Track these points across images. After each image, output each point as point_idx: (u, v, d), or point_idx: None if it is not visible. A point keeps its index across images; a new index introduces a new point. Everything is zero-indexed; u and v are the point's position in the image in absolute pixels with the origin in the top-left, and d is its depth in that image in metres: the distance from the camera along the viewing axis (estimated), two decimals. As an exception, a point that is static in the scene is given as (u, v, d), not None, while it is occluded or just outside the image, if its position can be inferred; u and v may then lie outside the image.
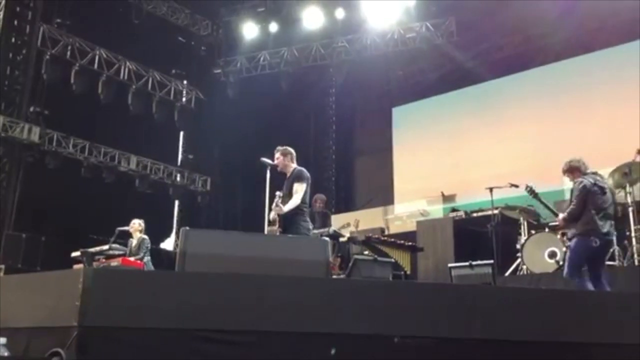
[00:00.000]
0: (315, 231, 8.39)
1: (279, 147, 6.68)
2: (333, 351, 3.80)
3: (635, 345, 4.08)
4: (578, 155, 6.37)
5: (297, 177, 6.42)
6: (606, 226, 5.97)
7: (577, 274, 5.95)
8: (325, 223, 9.39)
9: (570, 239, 6.18)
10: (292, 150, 6.67)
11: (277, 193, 6.36)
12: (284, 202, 6.33)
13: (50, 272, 4.66)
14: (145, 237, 9.05)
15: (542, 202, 6.81)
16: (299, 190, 6.33)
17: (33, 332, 3.74)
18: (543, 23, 12.06)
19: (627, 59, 11.27)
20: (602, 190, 6.08)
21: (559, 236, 8.02)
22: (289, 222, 6.29)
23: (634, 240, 7.39)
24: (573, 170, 6.26)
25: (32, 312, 3.84)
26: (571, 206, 6.08)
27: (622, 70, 11.30)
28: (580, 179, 6.11)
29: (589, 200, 5.98)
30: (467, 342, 4.02)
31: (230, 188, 14.77)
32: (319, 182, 14.75)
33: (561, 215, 6.23)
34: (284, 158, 6.57)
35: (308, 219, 6.58)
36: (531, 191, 6.80)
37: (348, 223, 10.21)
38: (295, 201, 6.27)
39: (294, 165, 6.61)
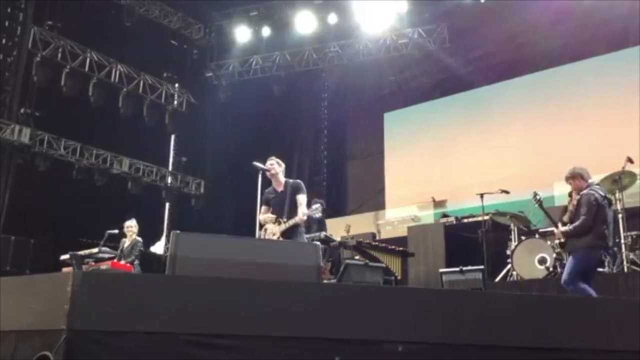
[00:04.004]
0: (307, 235, 8.40)
1: (273, 157, 6.81)
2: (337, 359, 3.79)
3: (626, 352, 4.10)
4: (578, 165, 6.35)
5: (300, 189, 6.60)
6: (611, 239, 6.00)
7: (577, 282, 5.88)
8: (322, 229, 9.47)
9: (571, 252, 6.07)
10: (283, 164, 6.84)
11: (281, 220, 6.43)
12: (287, 212, 6.45)
13: (38, 275, 4.63)
14: (140, 239, 9.02)
15: (545, 213, 6.72)
16: (303, 201, 6.52)
17: (21, 335, 3.70)
18: (534, 31, 12.14)
19: (617, 67, 11.37)
20: (610, 203, 6.07)
21: (549, 242, 8.05)
22: (290, 232, 6.40)
23: (623, 247, 7.43)
24: (576, 176, 6.17)
25: (20, 316, 3.79)
26: (582, 219, 5.93)
27: (612, 78, 11.39)
28: (590, 192, 6.00)
29: (600, 214, 5.91)
30: (457, 347, 4.01)
31: (222, 191, 14.74)
32: (310, 187, 14.68)
33: (564, 228, 6.12)
34: (279, 167, 6.73)
35: (304, 228, 6.79)
36: (538, 201, 6.66)
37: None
38: (303, 210, 6.46)
39: (282, 175, 6.72)
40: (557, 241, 6.39)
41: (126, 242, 8.97)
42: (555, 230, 6.32)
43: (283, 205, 6.51)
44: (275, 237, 6.39)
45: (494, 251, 8.89)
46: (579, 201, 6.07)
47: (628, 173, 7.51)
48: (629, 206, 7.80)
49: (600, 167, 8.12)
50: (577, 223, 5.99)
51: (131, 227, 9.02)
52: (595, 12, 11.40)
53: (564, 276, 6.06)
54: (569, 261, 6.12)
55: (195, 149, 14.96)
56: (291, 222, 6.38)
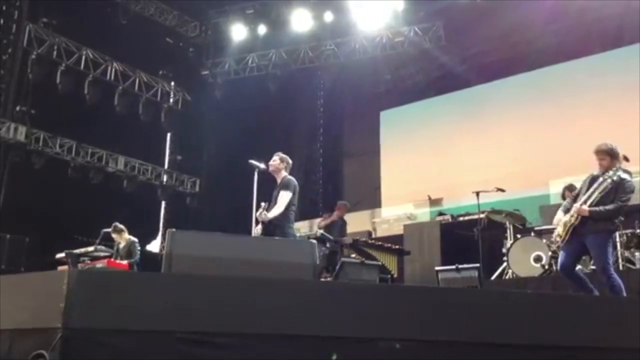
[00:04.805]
0: (302, 233, 8.45)
1: (280, 153, 6.78)
2: (334, 357, 3.79)
3: (623, 350, 4.11)
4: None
5: (284, 186, 6.57)
6: None
7: (612, 269, 5.60)
8: (343, 230, 9.71)
9: (587, 235, 5.65)
10: (290, 160, 6.82)
11: (262, 204, 6.45)
12: (271, 208, 6.45)
13: (34, 273, 4.61)
14: (135, 240, 9.00)
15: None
16: (284, 197, 6.47)
17: (16, 333, 3.69)
18: (529, 29, 12.14)
19: (612, 66, 11.38)
20: None
21: (544, 240, 8.06)
22: (274, 227, 6.41)
23: (619, 245, 7.45)
24: (615, 155, 5.71)
25: (16, 314, 3.78)
26: (620, 204, 5.56)
27: (608, 77, 11.40)
28: (629, 178, 5.68)
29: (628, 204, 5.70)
30: (453, 345, 4.02)
31: (218, 190, 14.73)
32: (307, 185, 14.76)
33: (594, 209, 5.59)
34: (281, 163, 6.70)
35: (294, 226, 6.76)
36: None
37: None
38: (278, 209, 6.41)
39: (285, 173, 6.69)
40: (574, 215, 5.72)
41: (121, 243, 8.94)
42: (580, 207, 5.67)
43: (273, 200, 6.55)
44: (258, 228, 6.43)
45: (490, 249, 8.91)
46: (616, 183, 5.62)
47: (624, 172, 7.50)
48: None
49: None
50: (612, 206, 5.56)
51: (124, 231, 9.02)
52: (590, 10, 11.40)
53: (602, 263, 5.55)
54: (595, 247, 5.61)
55: (191, 147, 14.95)
56: (260, 217, 6.35)
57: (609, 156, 5.76)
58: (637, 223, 7.69)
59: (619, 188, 5.64)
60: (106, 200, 12.34)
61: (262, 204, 6.46)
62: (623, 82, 10.94)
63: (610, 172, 5.66)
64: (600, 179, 5.75)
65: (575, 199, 5.91)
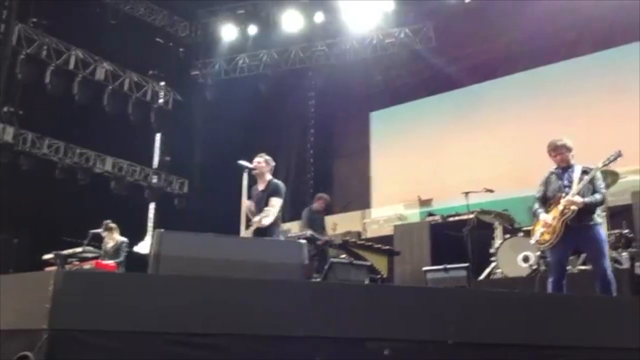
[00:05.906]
0: (292, 234, 8.47)
1: (264, 154, 6.72)
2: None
3: (612, 349, 4.13)
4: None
5: (275, 192, 6.51)
6: None
7: None
8: (323, 225, 9.69)
9: (586, 229, 5.65)
10: (273, 162, 6.76)
11: (248, 202, 6.39)
12: (257, 211, 6.41)
13: (20, 274, 4.59)
14: (125, 240, 8.95)
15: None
16: (276, 204, 6.42)
17: (2, 335, 3.67)
18: (520, 30, 12.16)
19: (604, 67, 11.41)
20: None
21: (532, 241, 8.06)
22: (263, 234, 6.34)
23: (606, 245, 7.47)
24: (571, 149, 6.00)
25: (1, 315, 3.76)
26: (604, 193, 5.71)
27: (599, 78, 11.42)
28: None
29: None
30: (442, 345, 4.03)
31: (207, 191, 14.68)
32: (297, 185, 14.74)
33: (587, 199, 5.62)
34: (265, 165, 6.63)
35: (279, 229, 6.72)
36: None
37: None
38: (272, 217, 6.35)
39: (270, 176, 6.66)
40: (568, 208, 5.65)
41: (109, 243, 8.89)
42: (576, 199, 5.61)
43: (261, 205, 6.48)
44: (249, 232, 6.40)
45: (479, 249, 8.92)
46: (593, 175, 5.75)
47: (611, 172, 7.54)
48: (611, 205, 7.84)
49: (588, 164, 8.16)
50: (599, 195, 5.64)
51: (115, 229, 8.97)
52: (583, 10, 11.41)
53: (604, 256, 5.57)
54: (596, 239, 5.61)
55: (181, 148, 14.88)
56: (255, 225, 6.29)
57: (569, 151, 6.01)
58: (625, 223, 7.73)
59: (597, 177, 5.79)
60: (94, 202, 12.25)
61: (247, 201, 6.42)
62: (615, 83, 10.97)
63: (589, 167, 5.85)
64: (578, 172, 5.84)
65: (544, 199, 6.00)
